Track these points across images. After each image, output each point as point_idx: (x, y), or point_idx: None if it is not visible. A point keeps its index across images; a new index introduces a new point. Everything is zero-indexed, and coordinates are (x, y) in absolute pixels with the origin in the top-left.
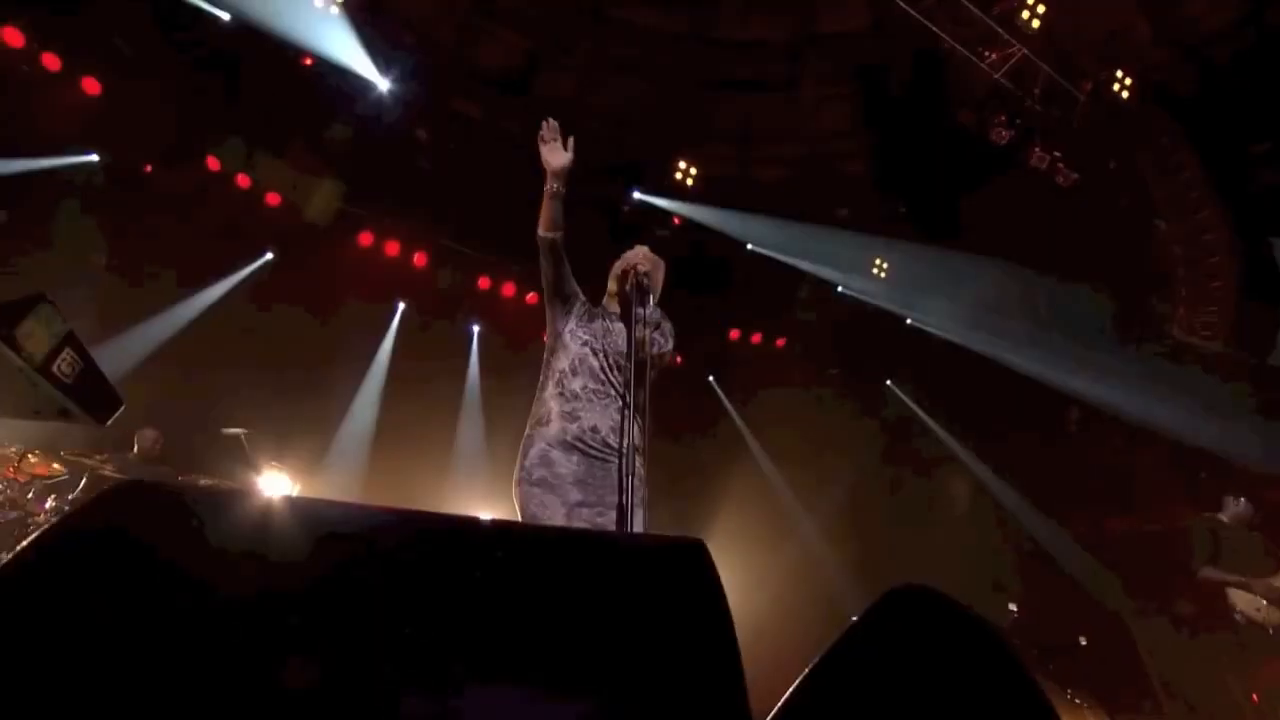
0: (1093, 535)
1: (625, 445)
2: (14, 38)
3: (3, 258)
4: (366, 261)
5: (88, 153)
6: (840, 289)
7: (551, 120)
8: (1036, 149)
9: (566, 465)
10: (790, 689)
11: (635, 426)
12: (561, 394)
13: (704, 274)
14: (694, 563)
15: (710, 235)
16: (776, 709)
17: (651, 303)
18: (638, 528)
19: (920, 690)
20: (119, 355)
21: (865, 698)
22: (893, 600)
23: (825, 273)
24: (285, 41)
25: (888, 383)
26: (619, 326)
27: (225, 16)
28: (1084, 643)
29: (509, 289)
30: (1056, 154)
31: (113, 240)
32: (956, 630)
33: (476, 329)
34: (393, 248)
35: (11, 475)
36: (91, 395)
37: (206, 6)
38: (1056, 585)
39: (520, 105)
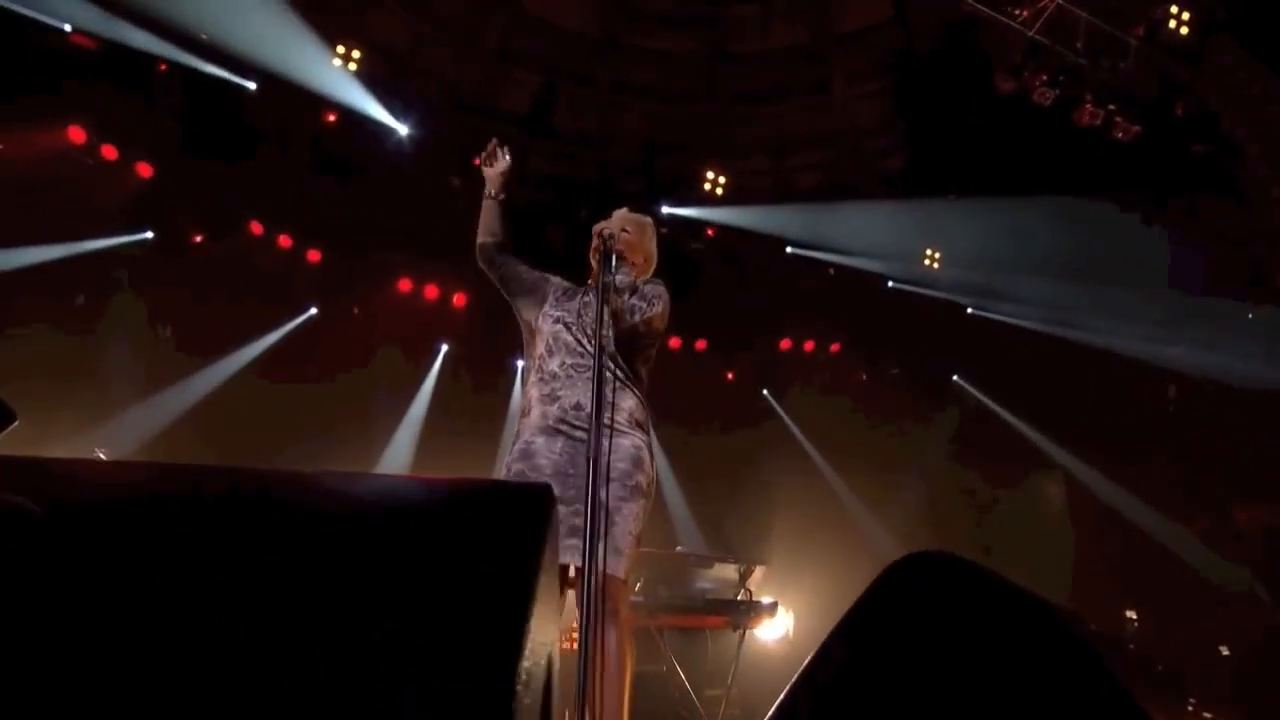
0: (1219, 529)
1: (595, 422)
2: (77, 135)
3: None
4: (407, 307)
5: (143, 229)
6: (891, 284)
7: (492, 140)
8: (1087, 105)
9: (548, 456)
10: (810, 656)
11: (621, 402)
12: (541, 378)
13: (746, 285)
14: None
15: (748, 244)
16: (799, 673)
17: (626, 269)
18: (624, 519)
19: (953, 657)
20: (163, 410)
21: (888, 663)
22: (909, 566)
23: (874, 268)
24: (309, 101)
25: (955, 378)
26: (593, 299)
27: (251, 85)
28: (1226, 653)
29: None
30: (1111, 107)
31: (166, 307)
32: (983, 595)
33: (520, 364)
34: (432, 291)
35: None
36: None
37: (233, 78)
38: (1180, 588)
39: (544, 141)
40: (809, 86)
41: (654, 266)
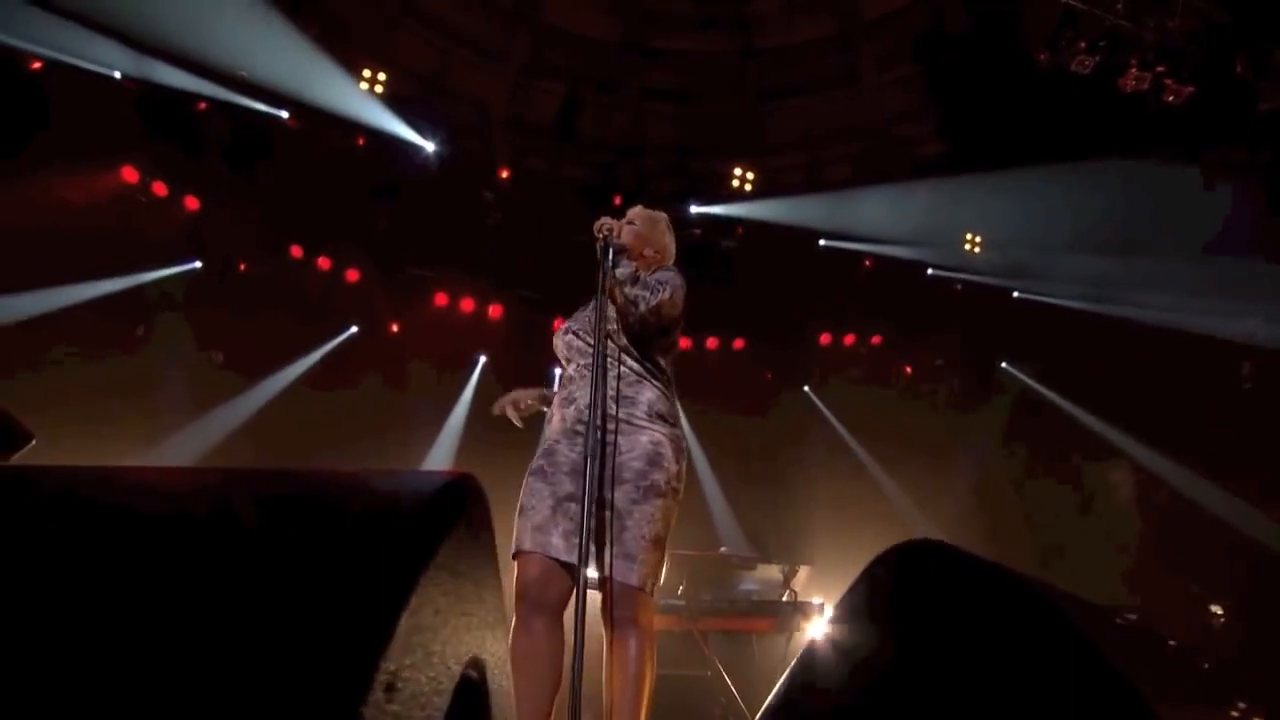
0: None
1: (590, 424)
2: (130, 175)
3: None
4: (444, 321)
5: (191, 260)
6: (931, 271)
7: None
8: (1133, 70)
9: (568, 455)
10: (803, 648)
11: (639, 396)
12: (560, 386)
13: (781, 281)
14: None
15: (781, 239)
16: (791, 666)
17: (625, 261)
18: (637, 523)
19: (941, 644)
20: (215, 428)
21: (876, 653)
22: (896, 556)
23: (912, 256)
24: (339, 126)
25: (1003, 365)
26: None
27: (284, 115)
28: None
29: None
30: (1160, 69)
31: (215, 331)
32: (971, 582)
33: (558, 372)
34: (468, 304)
35: None
36: None
37: (267, 109)
38: (1269, 581)
39: (574, 150)
40: (838, 77)
41: (670, 259)
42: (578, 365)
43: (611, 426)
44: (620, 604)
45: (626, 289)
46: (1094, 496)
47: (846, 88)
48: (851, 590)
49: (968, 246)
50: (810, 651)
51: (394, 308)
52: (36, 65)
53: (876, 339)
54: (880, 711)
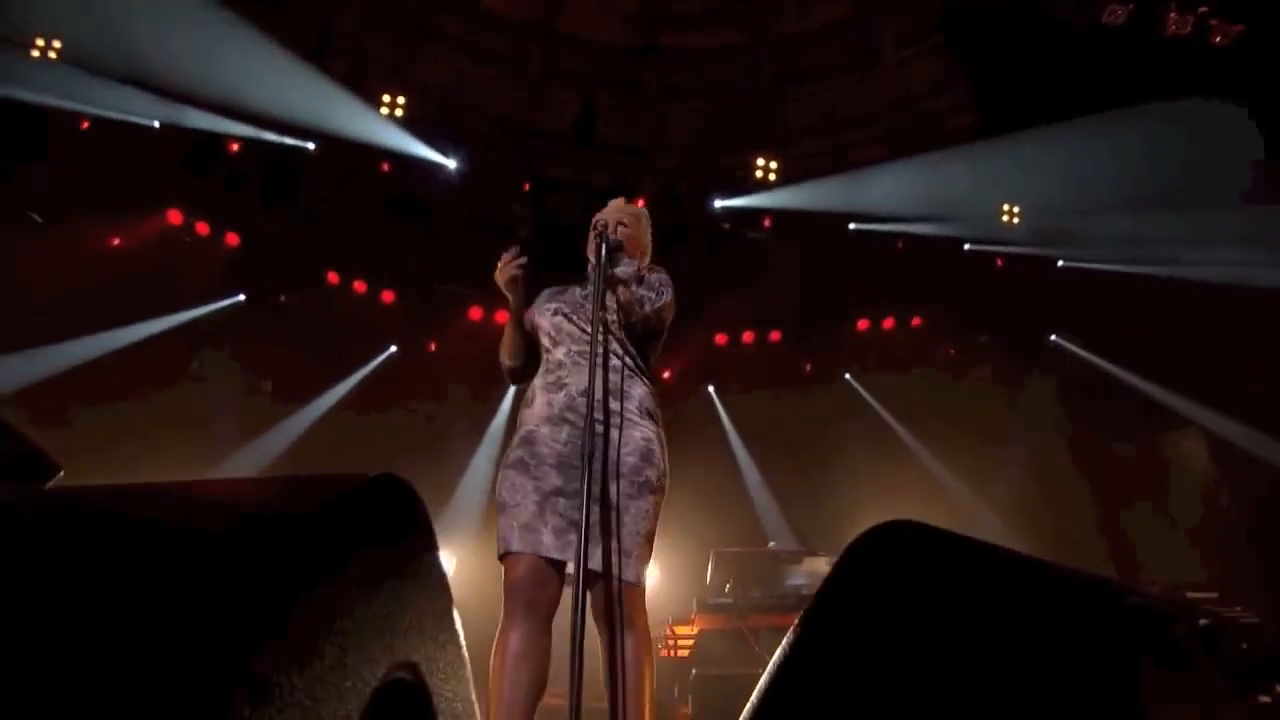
0: None
1: (588, 422)
2: (175, 217)
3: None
4: (480, 335)
5: (235, 294)
6: (968, 247)
7: (508, 253)
8: (1172, 14)
9: (551, 445)
10: (786, 640)
11: (631, 390)
12: (545, 369)
13: (812, 270)
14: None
15: (809, 227)
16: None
17: (626, 260)
18: (633, 518)
19: (919, 625)
20: (264, 451)
21: (856, 639)
22: (870, 539)
23: (947, 233)
24: (363, 152)
25: (1052, 338)
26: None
27: (310, 146)
28: None
29: None
30: (1203, 9)
31: (260, 358)
32: (947, 561)
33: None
34: (502, 316)
35: None
36: (18, 465)
37: (295, 142)
38: None
39: (595, 155)
40: (857, 57)
41: (649, 257)
42: (569, 350)
43: (604, 419)
44: (613, 601)
45: (632, 288)
46: (1163, 468)
47: (867, 67)
48: (830, 576)
49: (1005, 218)
50: (794, 639)
51: (431, 325)
52: (85, 125)
53: (916, 321)
54: (864, 698)
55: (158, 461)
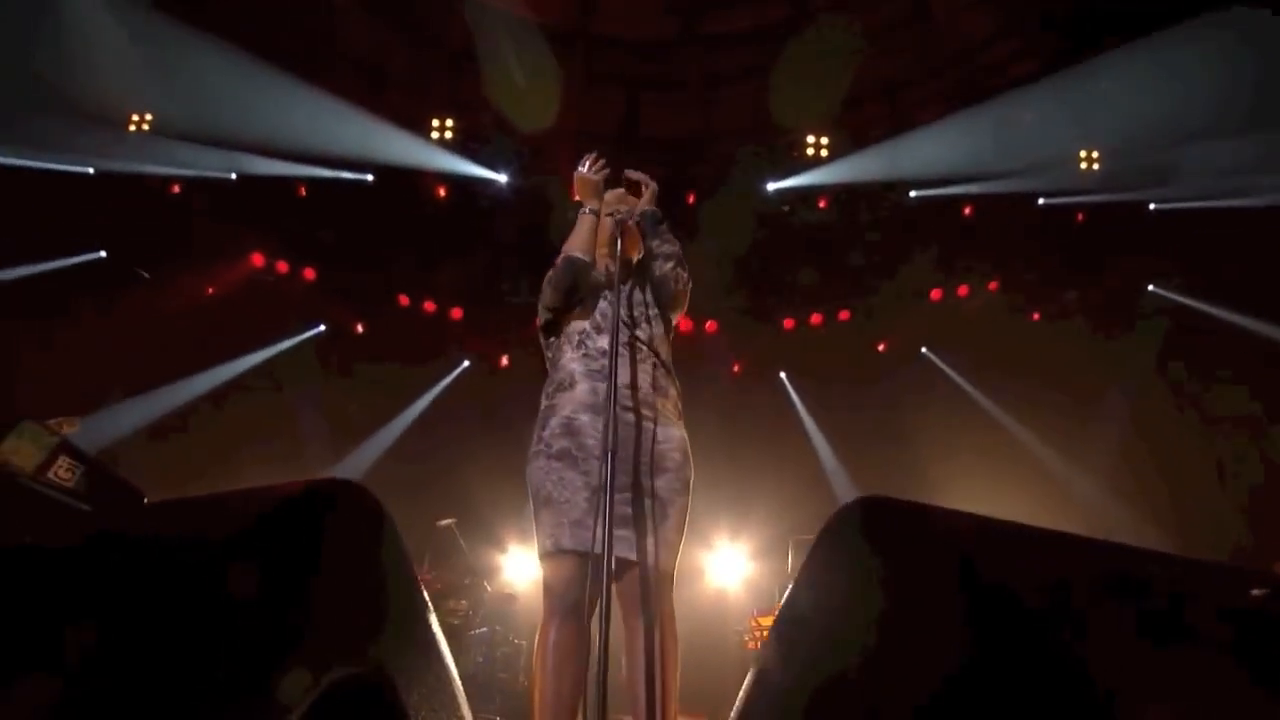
0: None
1: (612, 401)
2: (258, 260)
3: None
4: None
5: (315, 325)
6: (1043, 201)
7: (592, 154)
8: None
9: (594, 435)
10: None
11: (669, 389)
12: (586, 354)
13: (875, 244)
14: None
15: (868, 200)
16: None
17: (660, 240)
18: (678, 512)
19: (889, 598)
20: (353, 468)
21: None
22: (842, 516)
23: (1018, 188)
24: (419, 177)
25: (1149, 288)
26: (632, 283)
27: (369, 178)
28: None
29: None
30: None
31: (344, 381)
32: (915, 533)
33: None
34: None
35: None
36: (102, 494)
37: (354, 175)
38: None
39: (643, 151)
40: (907, 15)
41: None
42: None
43: (650, 414)
44: (658, 594)
45: (665, 266)
46: None
47: (919, 25)
48: (807, 558)
49: (1084, 165)
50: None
51: (500, 337)
52: (176, 189)
53: (993, 285)
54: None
55: (262, 476)
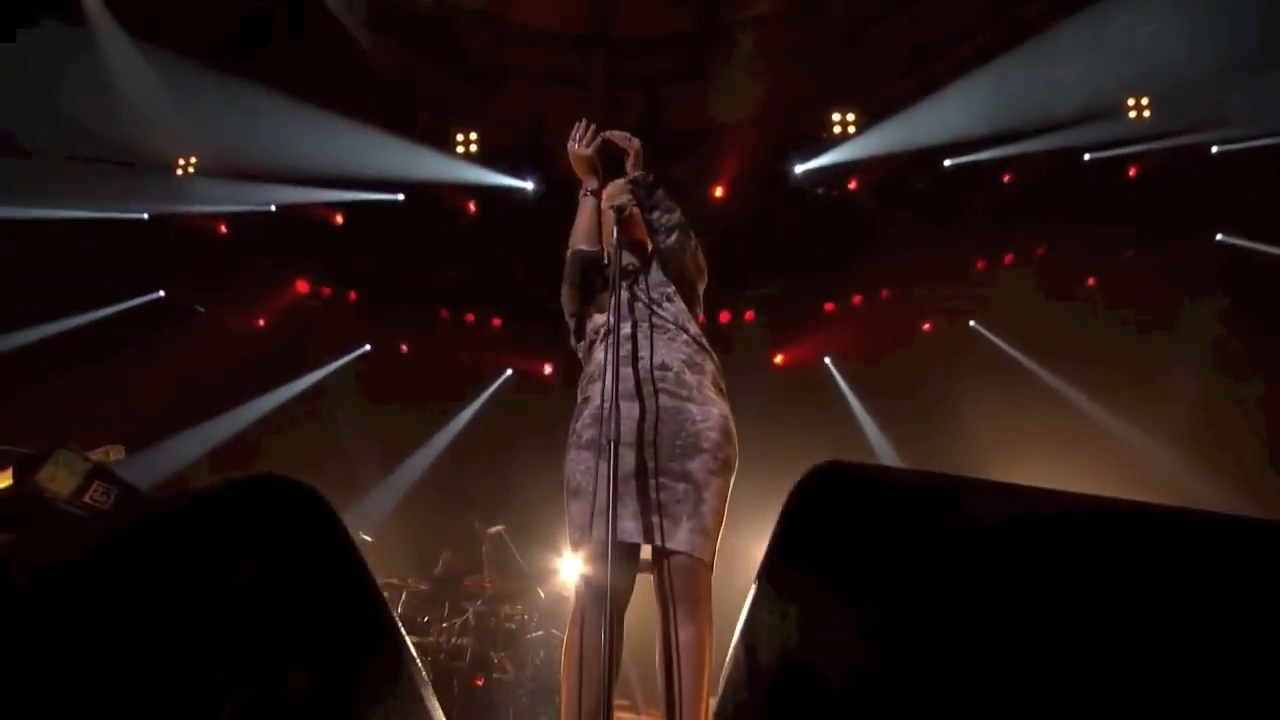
0: None
1: (615, 381)
2: (303, 286)
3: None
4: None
5: (361, 346)
6: (1089, 157)
7: (580, 121)
8: None
9: (628, 421)
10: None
11: (705, 364)
12: (610, 343)
13: (912, 216)
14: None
15: (902, 172)
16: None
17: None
18: (713, 496)
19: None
20: (399, 485)
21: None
22: (802, 485)
23: (1062, 144)
24: (448, 193)
25: (1218, 237)
26: (630, 259)
27: (400, 197)
28: None
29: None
30: None
31: (391, 399)
32: (871, 499)
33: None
34: None
35: None
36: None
37: (386, 196)
38: None
39: (667, 147)
40: None
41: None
42: (636, 323)
43: (684, 393)
44: (693, 582)
45: (667, 238)
46: None
47: None
48: (773, 540)
49: (1132, 114)
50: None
51: (543, 349)
52: (222, 229)
53: (1041, 250)
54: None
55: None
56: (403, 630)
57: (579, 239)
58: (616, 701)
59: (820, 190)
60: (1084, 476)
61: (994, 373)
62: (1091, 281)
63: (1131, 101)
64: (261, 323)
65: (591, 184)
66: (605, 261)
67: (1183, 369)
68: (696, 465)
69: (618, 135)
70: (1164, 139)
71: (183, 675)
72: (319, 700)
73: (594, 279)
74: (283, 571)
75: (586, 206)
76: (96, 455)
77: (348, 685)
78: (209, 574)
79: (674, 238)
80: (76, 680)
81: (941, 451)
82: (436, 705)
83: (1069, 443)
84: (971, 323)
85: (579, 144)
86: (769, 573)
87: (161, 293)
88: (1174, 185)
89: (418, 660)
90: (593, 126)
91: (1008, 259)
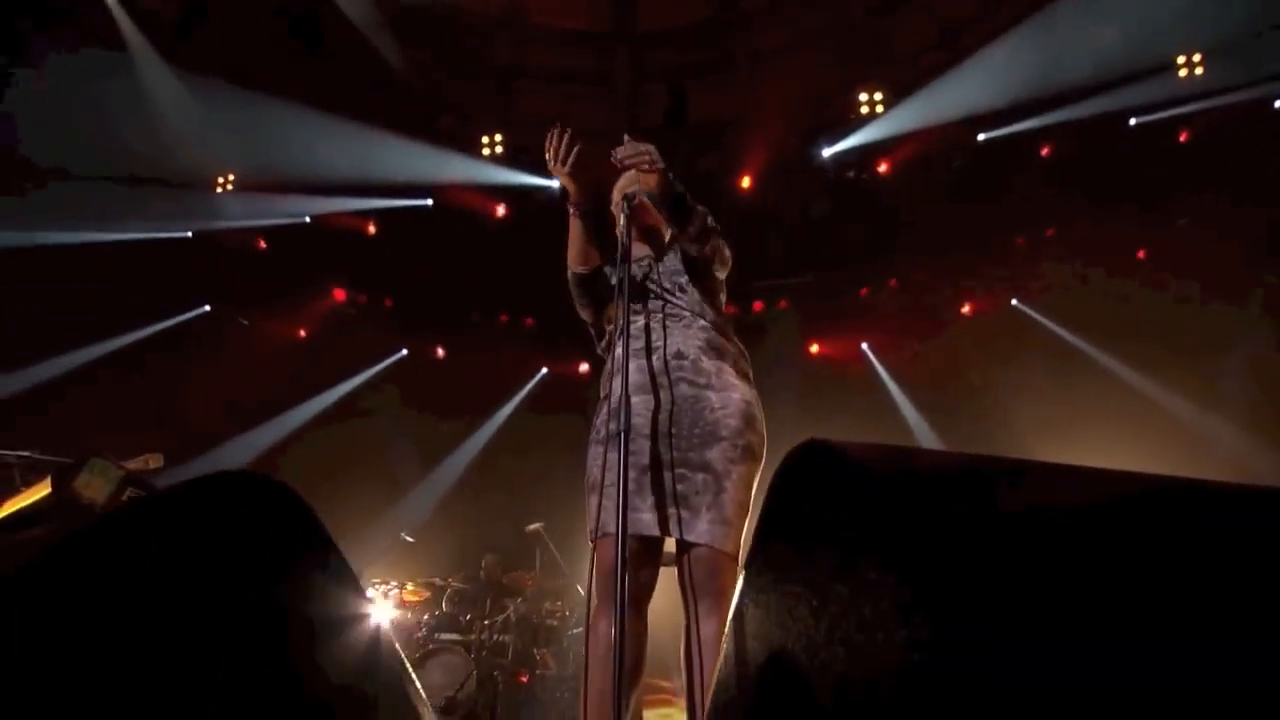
0: None
1: (625, 378)
2: (340, 294)
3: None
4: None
5: (399, 350)
6: (1135, 121)
7: (552, 131)
8: None
9: (643, 413)
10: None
11: (725, 348)
12: (629, 335)
13: (944, 198)
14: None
15: (934, 150)
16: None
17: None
18: (734, 485)
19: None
20: (439, 484)
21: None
22: (781, 467)
23: (1105, 109)
24: (474, 196)
25: None
26: (647, 250)
27: (429, 202)
28: None
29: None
30: None
31: (430, 402)
32: (851, 476)
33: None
34: None
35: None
36: None
37: (416, 202)
38: None
39: (695, 138)
40: None
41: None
42: (651, 313)
43: (704, 380)
44: (715, 574)
45: (708, 247)
46: None
47: None
48: (761, 520)
49: (1183, 72)
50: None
51: (576, 350)
52: (261, 243)
53: (1084, 223)
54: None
55: (352, 506)
56: (385, 626)
57: (572, 261)
58: (657, 684)
59: (850, 174)
60: (1142, 457)
61: (1040, 353)
62: (1142, 254)
63: (1182, 59)
64: (303, 333)
65: (575, 199)
66: (607, 269)
67: (1242, 342)
68: (716, 454)
69: (635, 156)
70: (1218, 96)
71: (150, 673)
72: (296, 695)
73: (602, 290)
74: (250, 568)
75: (574, 226)
76: (135, 464)
77: (325, 678)
78: (168, 572)
79: (706, 246)
80: (22, 687)
81: (989, 438)
82: (420, 691)
83: (1123, 424)
84: (1014, 301)
85: (553, 163)
86: (751, 561)
87: (207, 307)
88: (1230, 146)
89: (402, 654)
90: (566, 136)
91: (1049, 233)
